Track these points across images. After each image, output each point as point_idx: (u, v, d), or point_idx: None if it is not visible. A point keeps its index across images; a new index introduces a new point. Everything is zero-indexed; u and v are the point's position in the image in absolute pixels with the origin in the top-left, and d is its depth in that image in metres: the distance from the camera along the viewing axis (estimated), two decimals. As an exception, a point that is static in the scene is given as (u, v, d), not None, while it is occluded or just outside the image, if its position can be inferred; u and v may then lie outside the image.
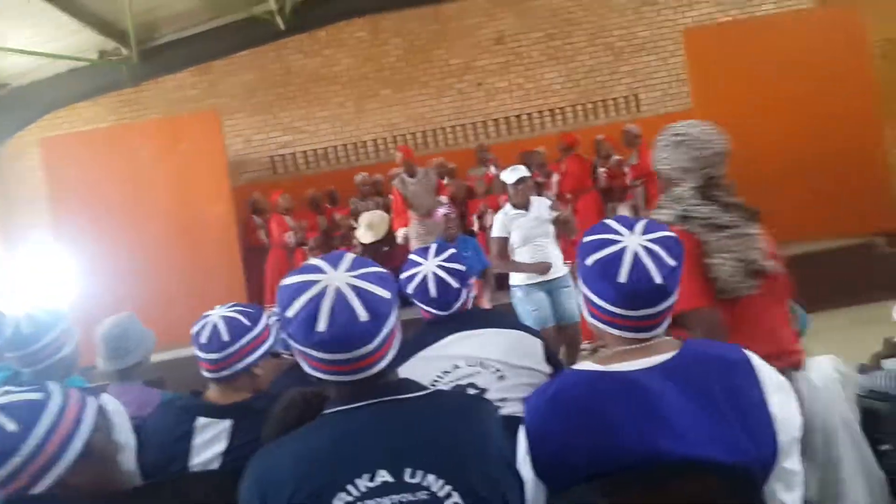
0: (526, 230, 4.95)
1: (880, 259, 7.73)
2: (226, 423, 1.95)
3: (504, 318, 2.36)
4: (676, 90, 10.25)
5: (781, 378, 1.41)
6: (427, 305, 2.21)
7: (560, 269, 4.99)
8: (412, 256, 2.26)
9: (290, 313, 1.28)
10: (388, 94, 10.35)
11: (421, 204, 7.45)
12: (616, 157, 8.58)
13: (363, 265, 1.35)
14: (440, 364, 2.09)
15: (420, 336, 2.20)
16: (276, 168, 10.32)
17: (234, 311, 2.05)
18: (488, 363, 2.07)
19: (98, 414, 1.55)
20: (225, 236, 8.40)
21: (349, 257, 1.36)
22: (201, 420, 1.97)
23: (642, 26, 10.41)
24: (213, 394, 2.06)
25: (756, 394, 1.35)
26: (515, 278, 5.06)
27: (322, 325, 1.25)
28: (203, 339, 1.99)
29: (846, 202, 8.20)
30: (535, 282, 4.93)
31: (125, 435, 2.11)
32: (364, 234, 7.91)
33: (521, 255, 4.99)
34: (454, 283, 2.17)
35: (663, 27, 10.37)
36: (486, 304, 6.19)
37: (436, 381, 2.05)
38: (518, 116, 10.40)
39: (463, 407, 1.44)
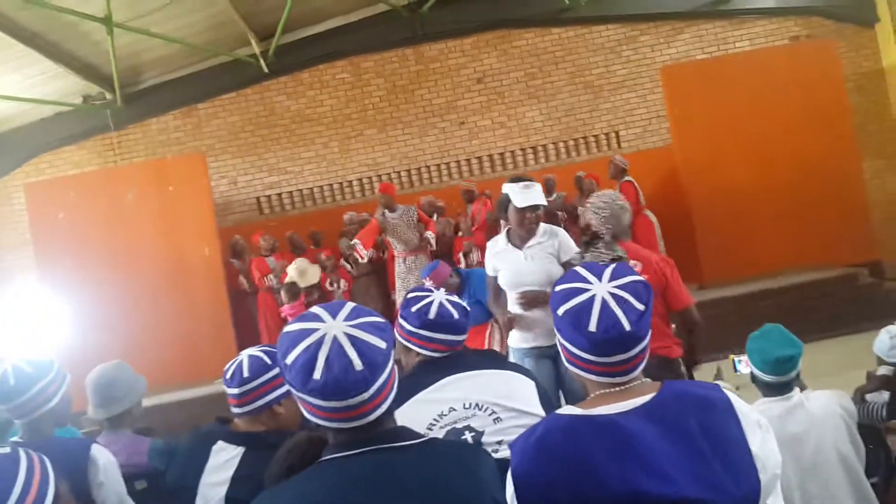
0: (515, 273, 3.75)
1: (863, 290, 7.82)
2: (239, 450, 2.03)
3: (497, 358, 2.35)
4: (656, 126, 10.43)
5: (760, 416, 1.43)
6: (426, 330, 2.21)
7: None
8: (425, 283, 2.29)
9: (288, 360, 1.31)
10: (371, 133, 10.44)
11: (401, 238, 7.46)
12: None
13: (361, 314, 1.37)
14: (436, 407, 2.08)
15: (414, 379, 2.20)
16: (262, 209, 10.34)
17: (261, 350, 2.14)
18: (484, 405, 2.07)
19: (53, 468, 1.57)
20: (212, 278, 8.41)
21: (349, 306, 1.39)
22: (219, 444, 2.06)
23: (620, 65, 10.62)
24: (238, 422, 2.15)
25: (736, 432, 1.36)
26: (511, 337, 3.88)
27: (318, 374, 1.27)
28: (228, 374, 2.09)
29: (826, 234, 8.33)
30: (533, 345, 3.73)
31: (116, 484, 2.20)
32: (296, 278, 7.96)
33: (512, 304, 3.80)
34: (456, 315, 2.19)
35: (641, 65, 10.58)
36: (495, 346, 5.30)
37: (432, 424, 2.05)
38: (501, 154, 10.52)
39: (458, 455, 1.45)
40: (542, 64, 10.57)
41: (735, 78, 8.76)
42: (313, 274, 8.25)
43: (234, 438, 2.06)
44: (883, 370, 2.95)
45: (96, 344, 7.21)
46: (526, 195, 3.62)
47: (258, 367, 2.09)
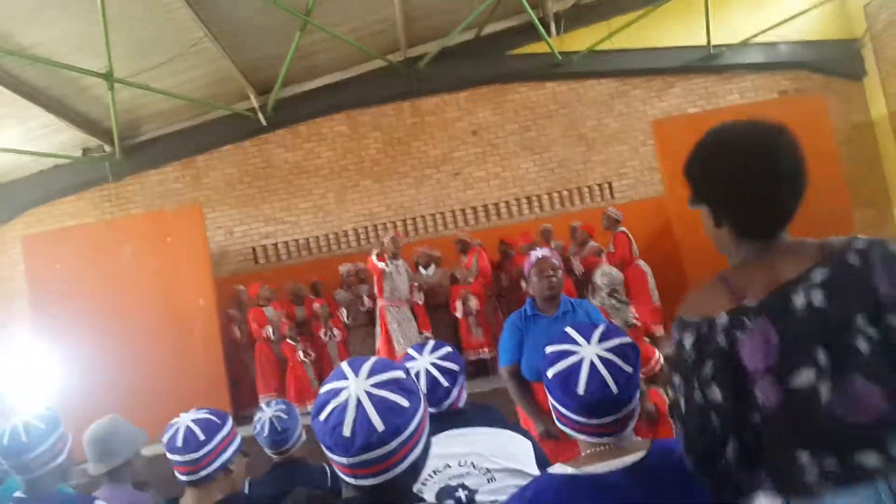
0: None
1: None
2: None
3: (494, 416, 2.35)
4: (648, 178, 10.55)
5: None
6: None
7: None
8: (409, 350, 2.29)
9: (320, 418, 1.34)
10: (368, 184, 10.55)
11: (396, 288, 7.80)
12: (592, 245, 8.74)
13: (384, 369, 1.38)
14: (430, 463, 2.04)
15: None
16: (258, 258, 10.39)
17: (202, 413, 2.13)
18: (479, 464, 2.07)
19: None
20: (207, 329, 8.41)
21: (370, 361, 1.40)
22: None
23: (613, 118, 10.79)
24: (187, 499, 2.10)
25: None
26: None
27: (347, 431, 1.30)
28: (178, 442, 2.04)
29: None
30: None
31: None
32: None
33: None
34: (444, 382, 2.18)
35: (633, 118, 10.76)
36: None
37: (426, 479, 2.04)
38: (496, 204, 10.62)
39: None
40: (536, 117, 10.74)
41: (726, 131, 8.87)
42: None
43: None
44: None
45: (91, 396, 7.15)
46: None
47: (210, 427, 2.08)
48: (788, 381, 1.25)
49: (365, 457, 1.30)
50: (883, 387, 1.19)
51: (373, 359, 1.41)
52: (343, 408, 1.31)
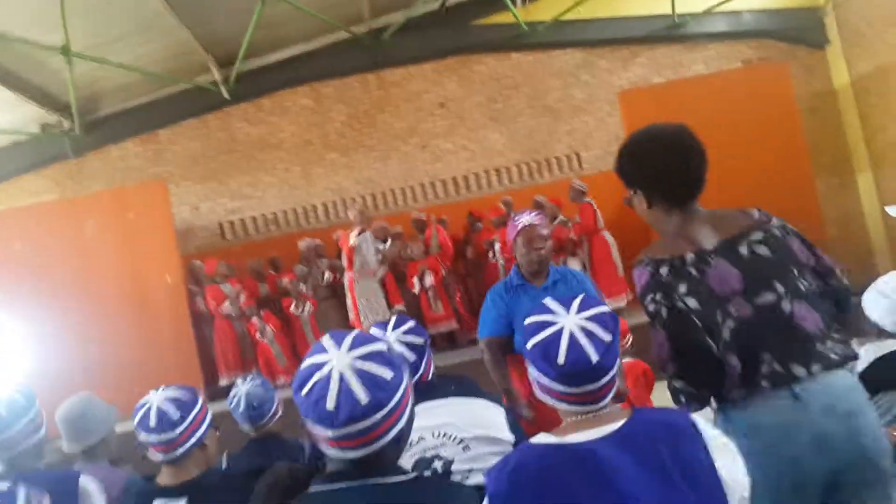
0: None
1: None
2: (181, 502, 2.02)
3: (466, 386, 2.35)
4: (615, 148, 10.35)
5: (726, 439, 1.48)
6: None
7: None
8: (373, 329, 2.25)
9: (303, 392, 1.35)
10: (334, 158, 10.48)
11: (366, 262, 7.95)
12: (560, 218, 8.80)
13: (366, 342, 1.40)
14: None
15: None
16: (225, 234, 10.29)
17: (172, 391, 2.13)
18: (452, 434, 2.08)
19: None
20: (175, 305, 8.35)
21: (352, 335, 1.41)
22: (158, 501, 2.04)
23: (579, 89, 10.79)
24: (164, 477, 2.12)
25: (703, 458, 1.42)
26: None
27: (330, 404, 1.31)
28: (152, 422, 2.04)
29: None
30: None
31: None
32: None
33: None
34: (412, 357, 2.19)
35: (599, 89, 10.77)
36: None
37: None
38: (465, 177, 10.61)
39: (443, 495, 1.48)
40: (501, 88, 10.71)
41: (690, 101, 8.91)
42: None
43: (171, 492, 2.05)
44: None
45: (58, 374, 7.10)
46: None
47: (184, 404, 2.09)
48: (755, 301, 1.86)
49: (350, 429, 1.31)
50: (817, 311, 1.87)
51: (354, 331, 1.42)
52: (326, 381, 1.32)
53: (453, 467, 2.03)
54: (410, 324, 2.26)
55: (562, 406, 1.54)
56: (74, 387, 2.94)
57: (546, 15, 10.37)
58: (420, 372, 2.22)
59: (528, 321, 1.58)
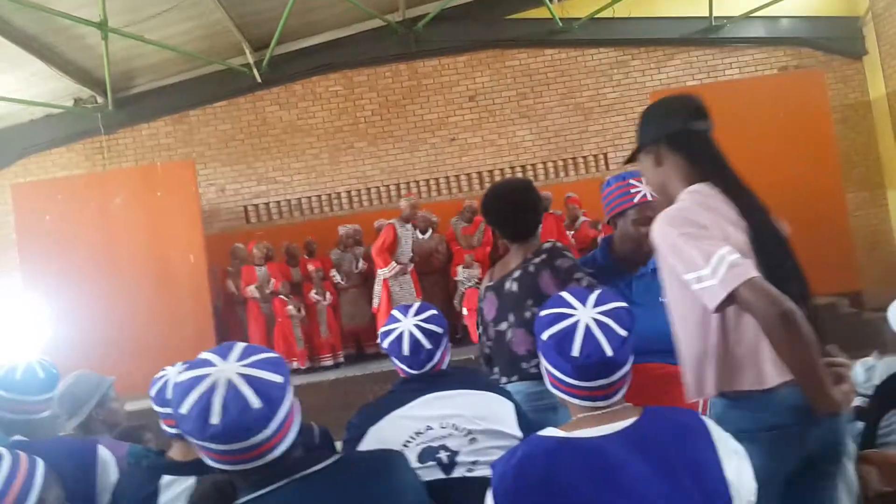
0: None
1: (843, 319, 7.87)
2: (190, 480, 1.97)
3: (477, 378, 2.35)
4: (644, 150, 10.47)
5: (736, 443, 1.46)
6: (400, 362, 2.22)
7: None
8: (394, 312, 2.28)
9: (183, 410, 1.28)
10: (362, 146, 10.47)
11: (404, 252, 8.15)
12: (583, 219, 8.77)
13: (253, 352, 1.37)
14: (412, 425, 2.08)
15: (393, 395, 2.21)
16: (250, 217, 10.33)
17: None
18: (460, 425, 2.07)
19: (47, 473, 1.58)
20: (197, 285, 8.40)
21: (239, 347, 1.37)
22: (166, 478, 2.00)
23: (611, 88, 10.70)
24: (176, 451, 2.10)
25: (712, 460, 1.40)
26: None
27: (215, 418, 1.25)
28: (168, 395, 2.00)
29: (809, 263, 8.28)
30: None
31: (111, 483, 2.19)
32: None
33: None
34: (427, 344, 2.17)
35: (631, 89, 10.67)
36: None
37: (408, 441, 2.05)
38: (490, 171, 10.56)
39: (373, 464, 1.48)
40: (533, 84, 10.65)
41: (723, 105, 8.68)
42: None
43: (180, 469, 2.03)
44: (857, 401, 2.98)
45: (79, 347, 7.18)
46: None
47: None
48: (496, 328, 2.73)
49: (244, 441, 1.27)
50: (532, 337, 2.45)
51: (241, 344, 1.39)
52: (211, 391, 1.27)
53: (458, 459, 2.02)
54: (432, 311, 2.25)
55: (573, 400, 1.52)
56: (94, 359, 3.00)
57: (581, 12, 10.29)
58: (435, 361, 2.22)
59: (543, 313, 1.57)
